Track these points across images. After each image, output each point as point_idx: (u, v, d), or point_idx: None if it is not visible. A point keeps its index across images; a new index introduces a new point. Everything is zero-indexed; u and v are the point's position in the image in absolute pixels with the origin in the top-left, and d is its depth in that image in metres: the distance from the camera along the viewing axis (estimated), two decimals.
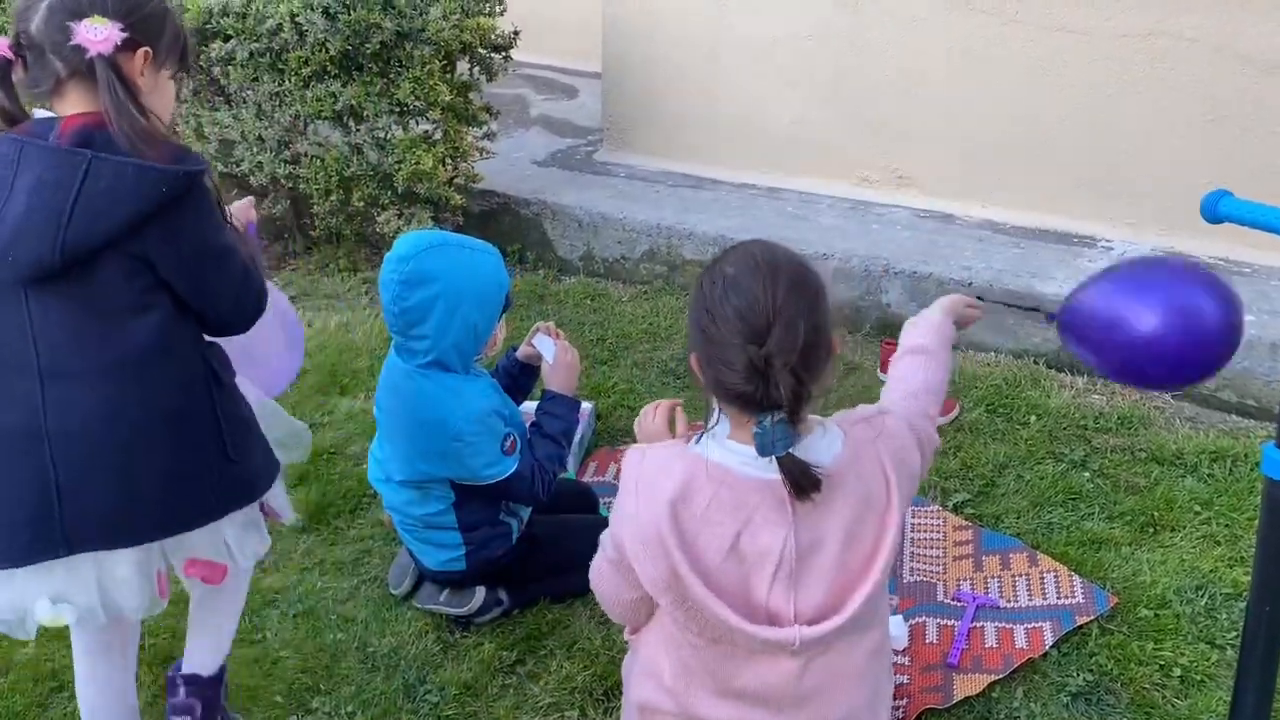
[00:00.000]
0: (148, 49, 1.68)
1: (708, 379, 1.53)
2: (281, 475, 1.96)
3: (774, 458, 1.46)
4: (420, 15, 3.73)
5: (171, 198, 1.62)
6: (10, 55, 1.65)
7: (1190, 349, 1.60)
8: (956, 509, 2.77)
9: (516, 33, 4.09)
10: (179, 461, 1.73)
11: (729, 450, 1.55)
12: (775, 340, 1.44)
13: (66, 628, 1.85)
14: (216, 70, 3.86)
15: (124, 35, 1.62)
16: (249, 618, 2.41)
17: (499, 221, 4.37)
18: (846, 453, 1.56)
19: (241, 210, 2.06)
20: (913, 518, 2.70)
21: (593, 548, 1.72)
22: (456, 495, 2.31)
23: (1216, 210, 1.56)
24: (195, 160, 1.67)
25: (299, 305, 4.02)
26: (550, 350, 2.44)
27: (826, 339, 1.51)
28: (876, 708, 1.68)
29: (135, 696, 2.04)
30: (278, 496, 1.98)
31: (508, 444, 2.27)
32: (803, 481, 1.48)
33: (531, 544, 2.44)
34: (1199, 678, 2.20)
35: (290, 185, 4.00)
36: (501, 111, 4.59)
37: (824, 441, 1.56)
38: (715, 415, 1.57)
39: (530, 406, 2.55)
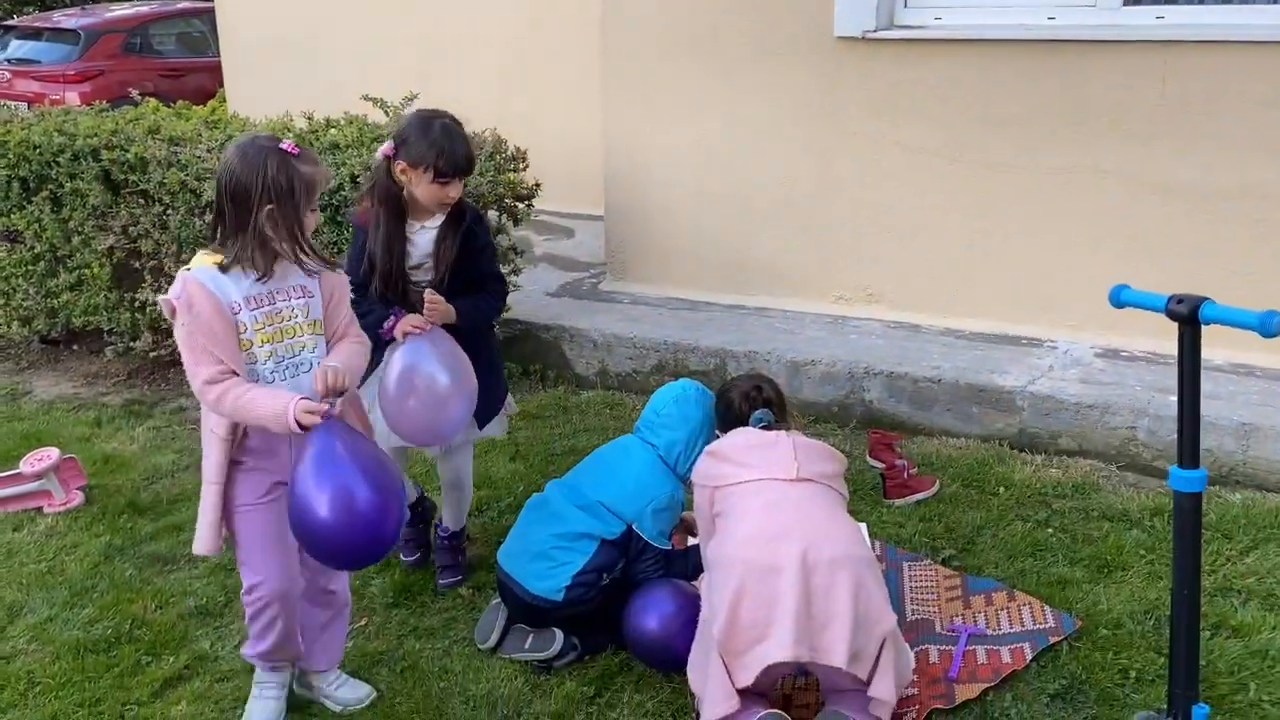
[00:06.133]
0: None
1: None
2: None
3: None
4: None
5: None
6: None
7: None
8: (945, 562, 3.30)
9: (538, 185, 4.76)
10: None
11: None
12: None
13: None
14: None
15: None
16: (362, 673, 2.87)
17: (522, 345, 4.95)
18: None
19: None
20: (909, 571, 3.23)
21: None
22: (604, 541, 2.89)
23: (1120, 298, 2.17)
24: None
25: None
26: None
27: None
28: None
29: None
30: None
31: (674, 538, 3.03)
32: None
33: (605, 598, 2.93)
34: (1150, 677, 2.71)
35: None
36: None
37: None
38: None
39: None
